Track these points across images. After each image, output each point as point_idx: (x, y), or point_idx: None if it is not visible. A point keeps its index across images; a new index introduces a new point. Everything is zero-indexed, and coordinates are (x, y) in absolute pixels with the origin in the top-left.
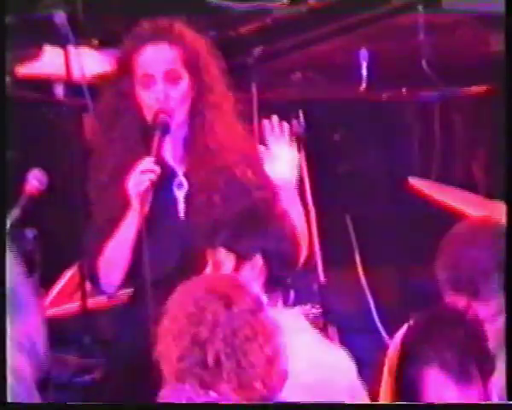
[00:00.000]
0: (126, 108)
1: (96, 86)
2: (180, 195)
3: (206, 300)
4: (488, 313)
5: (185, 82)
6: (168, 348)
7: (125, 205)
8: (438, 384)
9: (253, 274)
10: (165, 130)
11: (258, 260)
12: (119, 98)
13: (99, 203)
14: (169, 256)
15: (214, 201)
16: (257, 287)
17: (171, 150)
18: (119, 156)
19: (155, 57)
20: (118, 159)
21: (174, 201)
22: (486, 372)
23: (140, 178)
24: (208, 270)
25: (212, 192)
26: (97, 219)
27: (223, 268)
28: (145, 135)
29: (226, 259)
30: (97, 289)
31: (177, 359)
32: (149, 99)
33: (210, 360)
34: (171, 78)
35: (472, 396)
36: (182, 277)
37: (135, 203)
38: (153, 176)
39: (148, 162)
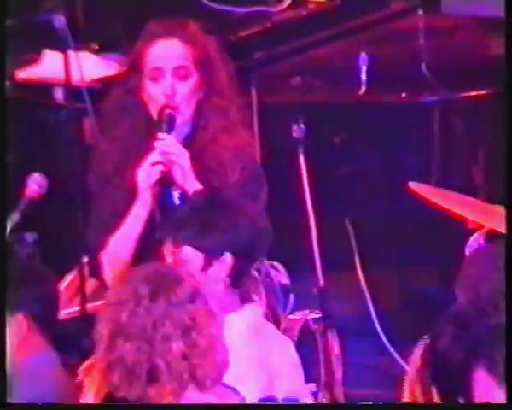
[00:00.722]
0: (133, 104)
1: (98, 89)
2: (175, 194)
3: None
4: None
5: (193, 80)
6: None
7: (129, 199)
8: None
9: (222, 272)
10: (171, 125)
11: (227, 257)
12: (126, 95)
13: (103, 197)
14: None
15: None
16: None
17: None
18: (123, 152)
19: (166, 52)
20: (122, 154)
21: (170, 198)
22: None
23: (151, 170)
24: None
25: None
26: (101, 212)
27: (188, 267)
28: (150, 130)
29: (193, 257)
30: (102, 283)
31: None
32: (156, 92)
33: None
34: (181, 74)
35: None
36: None
37: (145, 195)
38: (163, 168)
39: (157, 154)
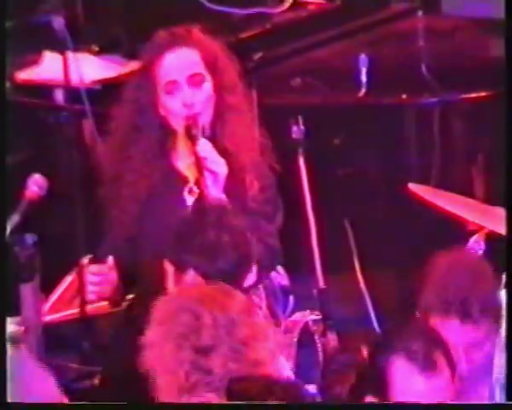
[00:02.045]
0: (147, 122)
1: (97, 91)
2: (191, 201)
3: (200, 307)
4: (477, 336)
5: (208, 84)
6: (166, 364)
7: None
8: (404, 374)
9: None
10: (202, 134)
11: (191, 274)
12: (137, 114)
13: (117, 217)
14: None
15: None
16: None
17: (184, 157)
18: (136, 171)
19: (177, 63)
20: (135, 173)
21: (185, 208)
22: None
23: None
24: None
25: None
26: (115, 234)
27: (168, 280)
28: (170, 143)
29: (169, 270)
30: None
31: (185, 375)
32: (175, 105)
33: (218, 365)
34: (195, 81)
35: (439, 386)
36: None
37: None
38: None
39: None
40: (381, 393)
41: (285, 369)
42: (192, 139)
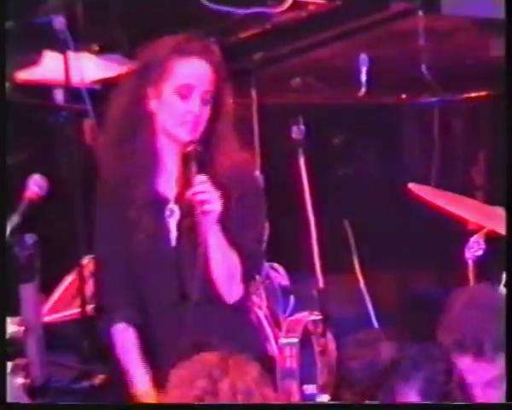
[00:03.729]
0: (145, 120)
1: (98, 91)
2: (172, 222)
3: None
4: (492, 374)
5: (209, 107)
6: None
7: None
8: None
9: None
10: (198, 159)
11: None
12: (137, 106)
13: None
14: (166, 285)
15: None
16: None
17: (164, 177)
18: (130, 171)
19: (199, 72)
20: (129, 174)
21: (166, 229)
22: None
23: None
24: None
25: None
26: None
27: None
28: (161, 150)
29: None
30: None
31: None
32: (182, 109)
33: None
34: (206, 98)
35: None
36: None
37: None
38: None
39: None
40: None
41: None
42: (190, 172)
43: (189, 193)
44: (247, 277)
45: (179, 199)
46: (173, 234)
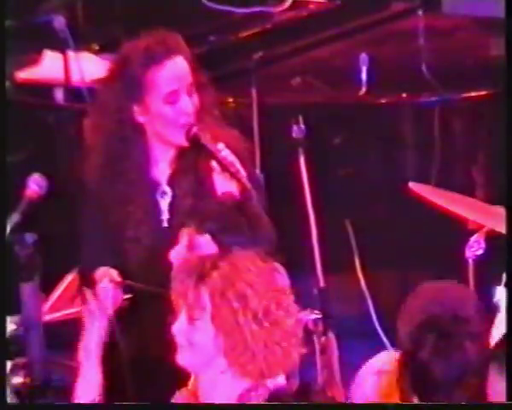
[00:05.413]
0: (134, 135)
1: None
2: (164, 203)
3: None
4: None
5: (196, 95)
6: None
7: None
8: None
9: None
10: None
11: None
12: (123, 126)
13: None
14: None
15: (198, 207)
16: None
17: (156, 159)
18: (127, 184)
19: (179, 71)
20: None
21: (158, 210)
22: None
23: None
24: (178, 249)
25: (197, 198)
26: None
27: (196, 251)
28: (155, 162)
29: (208, 246)
30: None
31: None
32: (173, 115)
33: None
34: (190, 90)
35: None
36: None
37: None
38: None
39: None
40: None
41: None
42: (204, 147)
43: (219, 154)
44: None
45: (171, 181)
46: (165, 215)
